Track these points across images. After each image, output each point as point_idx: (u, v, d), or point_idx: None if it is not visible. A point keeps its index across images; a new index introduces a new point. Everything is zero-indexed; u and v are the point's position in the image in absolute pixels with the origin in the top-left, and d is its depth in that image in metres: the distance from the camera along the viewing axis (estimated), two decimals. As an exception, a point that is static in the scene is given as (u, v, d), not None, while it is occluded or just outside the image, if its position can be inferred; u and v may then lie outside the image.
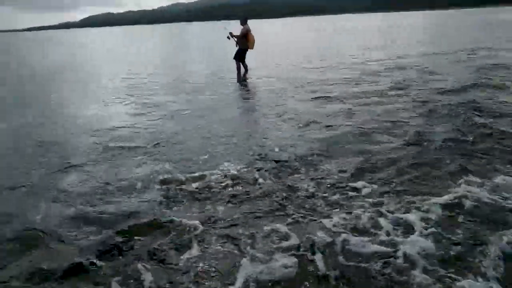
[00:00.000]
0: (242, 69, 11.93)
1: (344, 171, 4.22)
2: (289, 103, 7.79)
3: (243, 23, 11.59)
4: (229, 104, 8.21)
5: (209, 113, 7.21)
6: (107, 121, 6.98)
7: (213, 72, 13.01)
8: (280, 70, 12.75)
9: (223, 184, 4.02)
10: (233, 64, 11.98)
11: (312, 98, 8.06)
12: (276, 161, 4.57)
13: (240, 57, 11.78)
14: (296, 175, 4.19)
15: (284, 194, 3.74)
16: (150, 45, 34.58)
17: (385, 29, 36.16)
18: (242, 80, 11.40)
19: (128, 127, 6.51)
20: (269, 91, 9.21)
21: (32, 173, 4.61)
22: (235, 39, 11.63)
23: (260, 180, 4.07)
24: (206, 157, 4.82)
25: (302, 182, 3.99)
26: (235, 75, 11.75)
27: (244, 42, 11.52)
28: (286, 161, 4.57)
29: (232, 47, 11.94)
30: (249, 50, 11.76)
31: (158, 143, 5.49)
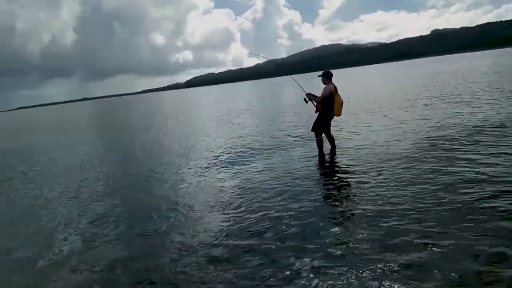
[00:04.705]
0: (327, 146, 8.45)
1: None
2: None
3: (327, 81, 8.09)
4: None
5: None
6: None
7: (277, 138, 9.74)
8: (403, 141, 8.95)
9: None
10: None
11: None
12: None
13: (321, 128, 8.28)
14: None
15: None
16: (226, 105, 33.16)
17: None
18: (326, 160, 7.90)
19: None
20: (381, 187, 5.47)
21: None
22: (315, 103, 8.30)
23: None
24: None
25: None
26: (312, 149, 8.35)
27: (328, 107, 8.07)
28: None
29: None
30: (335, 116, 8.28)
31: None
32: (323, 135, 8.34)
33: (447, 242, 3.63)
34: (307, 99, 8.25)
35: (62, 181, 8.78)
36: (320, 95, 8.08)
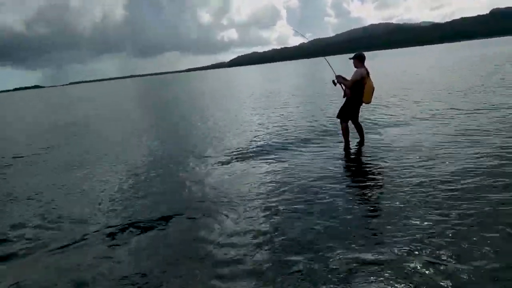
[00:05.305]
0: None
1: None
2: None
3: (359, 64, 7.22)
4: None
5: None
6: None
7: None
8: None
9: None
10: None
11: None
12: None
13: (348, 114, 7.47)
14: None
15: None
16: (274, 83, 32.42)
17: None
18: (352, 152, 7.20)
19: None
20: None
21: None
22: (343, 86, 7.55)
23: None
24: None
25: None
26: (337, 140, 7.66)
27: (358, 92, 7.23)
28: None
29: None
30: (364, 103, 7.48)
31: None
32: (350, 123, 7.61)
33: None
34: (336, 81, 7.48)
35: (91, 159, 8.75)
36: (350, 79, 7.32)
